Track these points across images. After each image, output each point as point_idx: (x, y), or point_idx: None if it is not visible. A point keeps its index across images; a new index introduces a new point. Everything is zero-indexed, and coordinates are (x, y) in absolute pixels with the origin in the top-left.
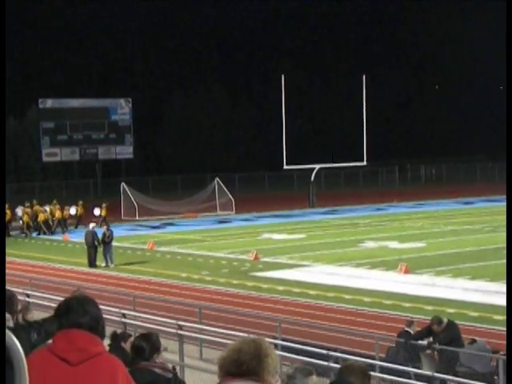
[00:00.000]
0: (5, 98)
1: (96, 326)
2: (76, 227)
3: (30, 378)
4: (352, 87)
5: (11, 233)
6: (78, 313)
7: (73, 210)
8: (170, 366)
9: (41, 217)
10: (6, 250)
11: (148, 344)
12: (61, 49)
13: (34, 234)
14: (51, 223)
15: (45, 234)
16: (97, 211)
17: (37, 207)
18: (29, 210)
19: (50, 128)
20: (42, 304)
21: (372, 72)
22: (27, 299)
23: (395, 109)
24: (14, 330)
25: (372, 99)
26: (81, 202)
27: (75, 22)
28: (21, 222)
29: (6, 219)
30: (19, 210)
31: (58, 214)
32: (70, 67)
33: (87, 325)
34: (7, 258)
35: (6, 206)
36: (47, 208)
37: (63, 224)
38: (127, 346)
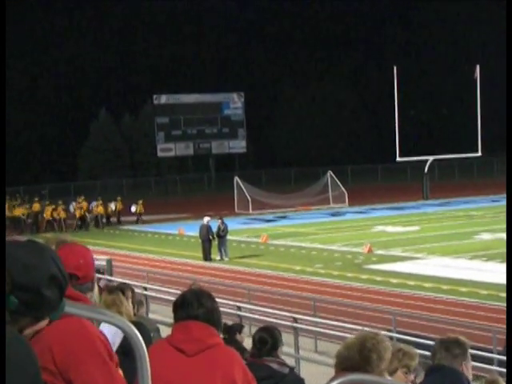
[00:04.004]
0: (5, 97)
1: (212, 318)
2: (119, 222)
3: (150, 368)
4: (465, 77)
5: (121, 226)
6: (194, 305)
7: (113, 206)
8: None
9: (78, 213)
10: (120, 243)
11: (271, 338)
12: (173, 45)
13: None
14: (86, 219)
15: (81, 228)
16: (133, 208)
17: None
18: (82, 205)
19: (165, 123)
20: (159, 297)
21: (485, 62)
22: (145, 292)
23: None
24: (135, 323)
25: (485, 89)
26: (119, 198)
27: (188, 17)
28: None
29: (61, 216)
30: (71, 207)
31: (100, 209)
32: (182, 63)
33: (203, 317)
34: (122, 252)
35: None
36: (94, 204)
37: (106, 220)
38: (241, 337)
